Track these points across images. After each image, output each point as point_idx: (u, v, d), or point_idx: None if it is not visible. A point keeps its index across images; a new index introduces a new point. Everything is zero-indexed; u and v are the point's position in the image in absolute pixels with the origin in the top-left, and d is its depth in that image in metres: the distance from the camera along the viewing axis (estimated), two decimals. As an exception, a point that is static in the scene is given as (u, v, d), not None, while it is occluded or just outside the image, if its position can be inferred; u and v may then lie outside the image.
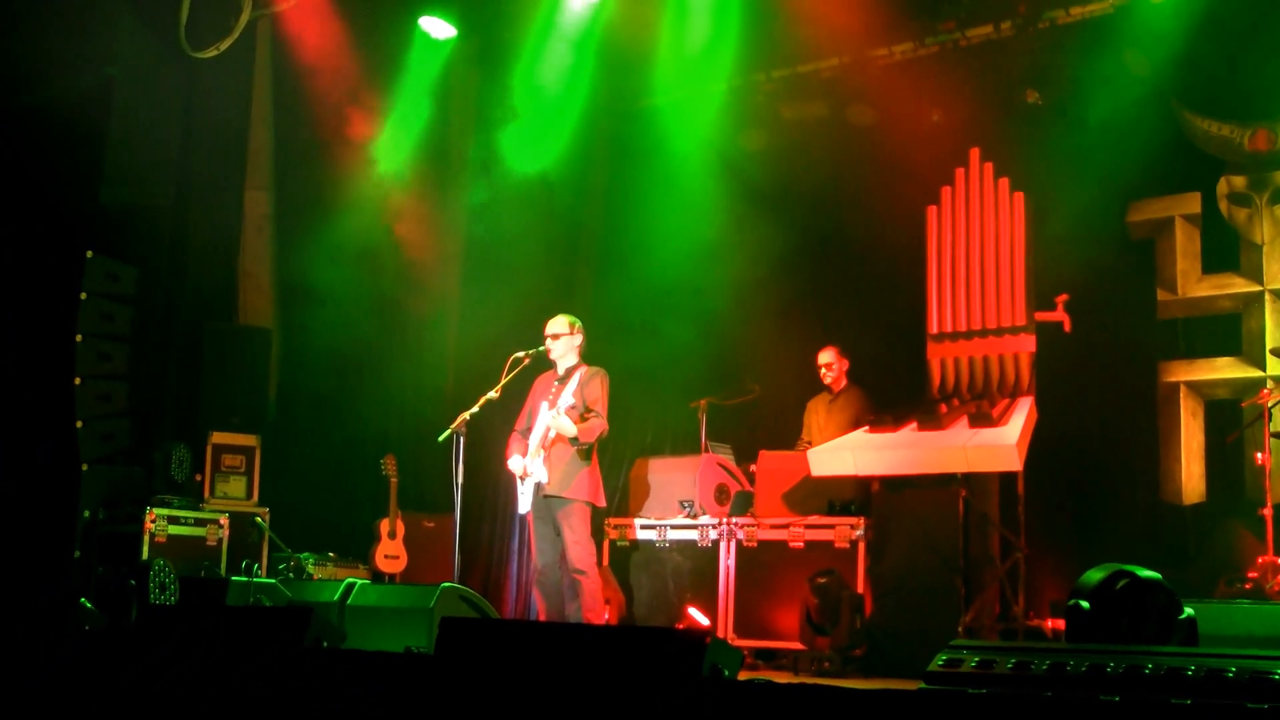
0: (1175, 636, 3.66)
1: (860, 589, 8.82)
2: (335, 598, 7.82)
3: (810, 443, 9.83)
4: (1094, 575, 3.73)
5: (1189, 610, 3.65)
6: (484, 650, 4.86)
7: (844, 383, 10.19)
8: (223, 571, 9.84)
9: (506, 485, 10.23)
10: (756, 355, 10.95)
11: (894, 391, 10.28)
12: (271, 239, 11.77)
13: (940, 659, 3.78)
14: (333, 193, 11.49)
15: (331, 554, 10.48)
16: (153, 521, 9.64)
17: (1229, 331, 9.82)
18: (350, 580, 8.04)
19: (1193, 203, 10.03)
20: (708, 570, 9.53)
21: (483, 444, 9.76)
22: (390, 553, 10.58)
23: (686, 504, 9.78)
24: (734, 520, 9.53)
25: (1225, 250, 9.89)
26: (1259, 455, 8.53)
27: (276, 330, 11.53)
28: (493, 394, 8.69)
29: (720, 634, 9.20)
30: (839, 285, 11.06)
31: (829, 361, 10.14)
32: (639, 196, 11.45)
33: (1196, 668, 3.27)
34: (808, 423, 10.25)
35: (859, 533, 8.95)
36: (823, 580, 8.70)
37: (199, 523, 9.97)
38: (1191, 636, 3.67)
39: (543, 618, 8.61)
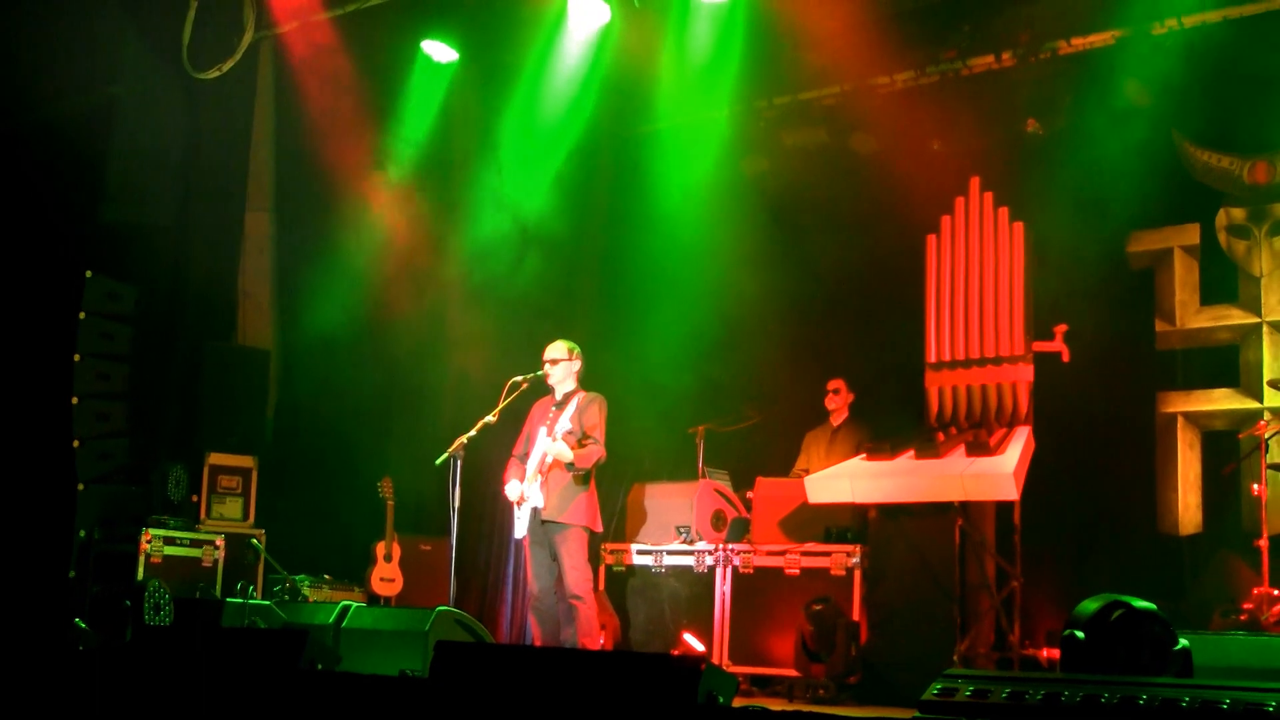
0: (1170, 668, 3.66)
1: (856, 616, 8.81)
2: (330, 620, 7.82)
3: (807, 471, 9.83)
4: (1089, 605, 3.73)
5: (1184, 641, 3.65)
6: (478, 675, 4.86)
7: (845, 414, 10.20)
8: (218, 593, 9.81)
9: (503, 509, 10.23)
10: (755, 382, 10.94)
11: (892, 419, 10.28)
12: (272, 260, 11.78)
13: (935, 688, 3.77)
14: (334, 214, 11.49)
15: (327, 576, 10.47)
16: (148, 542, 9.63)
17: (1227, 363, 9.83)
18: (346, 603, 8.03)
19: (1192, 234, 10.06)
20: (704, 596, 9.52)
21: (480, 468, 9.77)
22: (386, 575, 10.56)
23: (683, 530, 9.77)
24: (730, 546, 9.52)
25: (1224, 282, 9.91)
26: (1255, 487, 8.53)
27: (276, 351, 11.53)
28: (490, 418, 8.69)
29: (715, 660, 9.19)
30: (838, 312, 11.06)
31: (836, 389, 10.19)
32: (639, 222, 11.45)
33: (1191, 699, 3.27)
34: (807, 453, 10.25)
35: (855, 560, 8.95)
36: (818, 607, 8.70)
37: (195, 544, 9.96)
38: (1186, 668, 3.66)
39: (538, 643, 8.60)
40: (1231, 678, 3.72)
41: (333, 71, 11.25)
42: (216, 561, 10.02)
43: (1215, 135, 9.88)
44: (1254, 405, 9.58)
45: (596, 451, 8.54)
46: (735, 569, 9.40)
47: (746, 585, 9.36)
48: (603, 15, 10.51)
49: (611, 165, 12.09)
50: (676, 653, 9.16)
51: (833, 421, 10.23)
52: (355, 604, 8.00)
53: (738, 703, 4.57)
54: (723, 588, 9.42)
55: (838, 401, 10.20)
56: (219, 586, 9.93)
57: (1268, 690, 3.21)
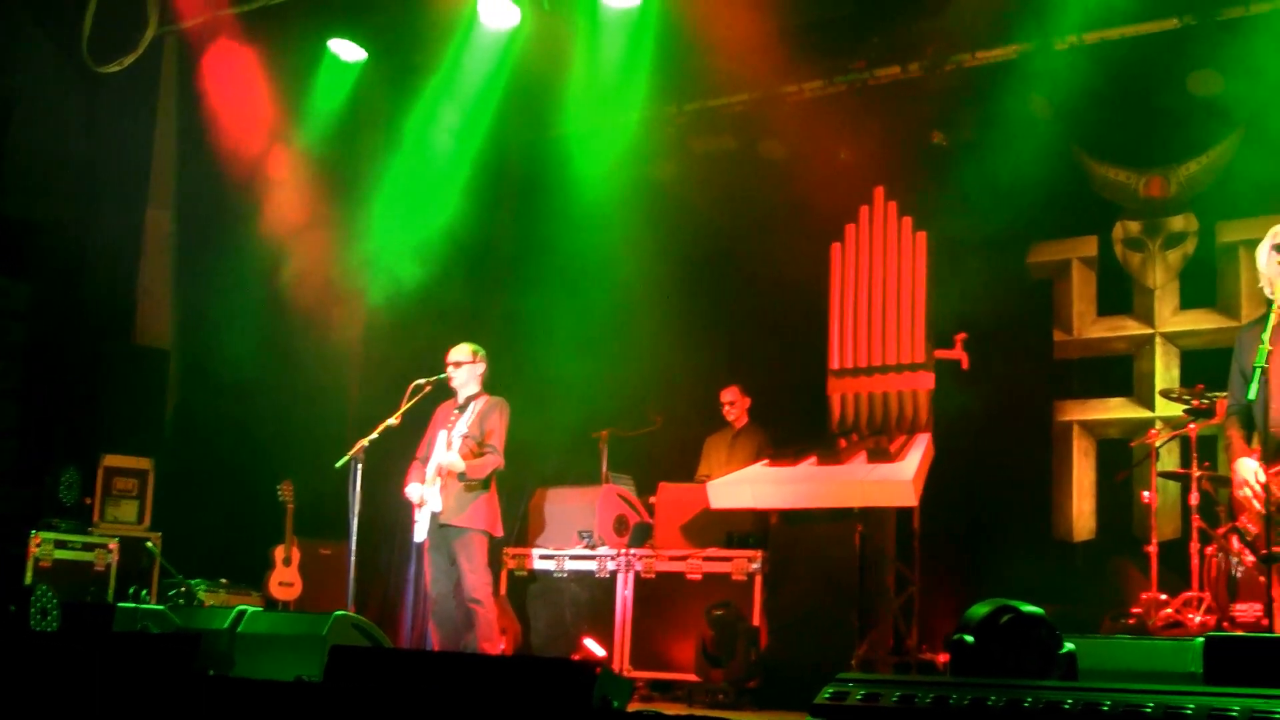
0: (1056, 671, 3.71)
1: (756, 621, 8.84)
2: (225, 625, 7.69)
3: (709, 476, 9.86)
4: (979, 610, 3.78)
5: (1069, 645, 3.71)
6: (373, 679, 4.82)
7: (745, 420, 10.26)
8: (110, 598, 9.65)
9: (405, 513, 10.13)
10: (660, 387, 10.95)
11: (794, 425, 10.35)
12: (173, 259, 11.60)
13: (826, 691, 3.79)
14: (236, 213, 11.34)
15: (224, 580, 10.32)
16: (38, 545, 9.45)
17: (1121, 373, 10.02)
18: (241, 607, 7.91)
19: (1090, 246, 10.23)
20: (605, 601, 9.50)
21: (382, 471, 9.68)
22: (285, 580, 10.45)
23: (585, 534, 9.75)
24: (632, 551, 9.52)
25: (1120, 293, 10.10)
26: (1146, 494, 8.68)
27: (175, 352, 11.35)
28: (392, 420, 8.63)
29: (617, 665, 9.19)
30: (743, 318, 11.12)
31: (731, 400, 10.23)
32: (546, 225, 11.44)
33: (1074, 701, 3.32)
34: (707, 458, 10.28)
35: (756, 565, 8.98)
36: (719, 612, 8.72)
37: (87, 547, 9.78)
38: (1071, 671, 3.72)
39: (437, 648, 8.55)
40: (1116, 680, 3.77)
41: (238, 68, 11.12)
42: (110, 565, 9.84)
43: (1113, 149, 10.07)
44: (1146, 414, 9.76)
45: (492, 461, 8.52)
46: (637, 574, 9.40)
47: (648, 590, 9.36)
48: (512, 18, 10.48)
49: (519, 169, 12.07)
50: (576, 658, 9.15)
51: (733, 427, 10.27)
52: (251, 608, 7.88)
53: (636, 707, 4.57)
54: (624, 593, 9.42)
55: (735, 410, 10.25)
56: (112, 591, 9.76)
57: (1147, 691, 3.28)
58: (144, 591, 9.62)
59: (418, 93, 11.31)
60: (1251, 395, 5.77)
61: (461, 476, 8.43)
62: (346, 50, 11.26)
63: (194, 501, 10.86)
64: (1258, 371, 5.74)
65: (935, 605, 9.34)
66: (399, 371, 9.47)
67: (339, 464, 8.58)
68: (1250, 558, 6.62)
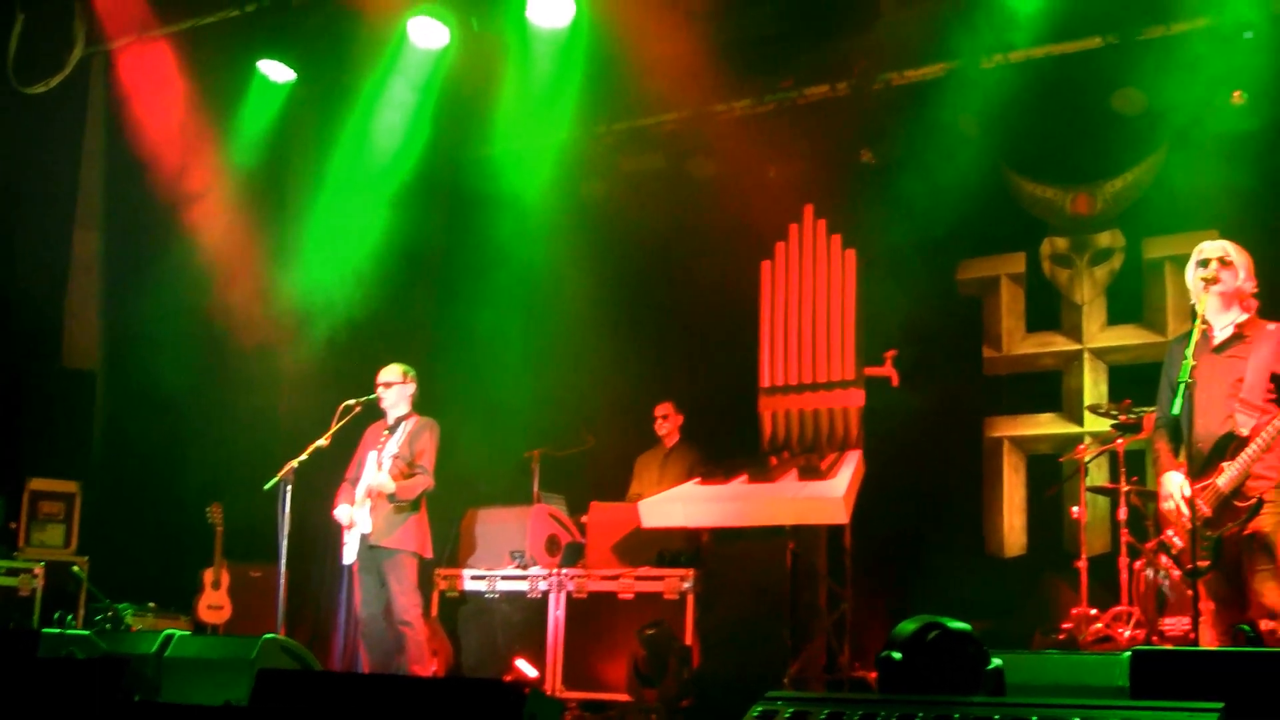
0: (984, 686, 3.71)
1: (689, 640, 8.82)
2: (153, 649, 7.60)
3: (640, 495, 9.85)
4: (906, 626, 3.77)
5: (996, 661, 3.71)
6: (302, 702, 4.77)
7: (677, 438, 10.27)
8: (35, 623, 9.51)
9: (336, 535, 10.06)
10: (591, 406, 10.93)
11: (726, 444, 10.37)
12: (101, 280, 11.47)
13: (755, 710, 3.78)
14: (166, 233, 11.23)
15: (152, 605, 10.21)
16: (-40, 571, 9.32)
17: (1050, 388, 10.10)
18: (169, 631, 7.82)
19: (1018, 263, 10.32)
20: (537, 622, 9.46)
21: (312, 493, 9.60)
22: (214, 603, 10.35)
23: (517, 555, 9.72)
24: (564, 571, 9.49)
25: (1048, 310, 10.19)
26: (1075, 509, 8.75)
27: (103, 373, 11.22)
28: (322, 441, 8.56)
29: (549, 686, 9.15)
30: (674, 337, 11.14)
31: (665, 414, 10.24)
32: (476, 245, 11.41)
33: (1000, 716, 3.33)
34: (639, 476, 10.28)
35: (688, 584, 8.97)
36: (651, 631, 8.70)
37: (11, 572, 9.63)
38: (999, 686, 3.72)
39: (369, 670, 8.49)
40: (1045, 695, 3.79)
41: (166, 89, 11.03)
42: (35, 590, 9.70)
43: (1040, 167, 10.17)
44: (1075, 430, 9.84)
45: (422, 482, 8.50)
46: (569, 594, 9.37)
47: (580, 610, 9.33)
48: (442, 37, 10.44)
49: (449, 188, 12.02)
50: (508, 678, 9.10)
51: (665, 445, 10.28)
52: (179, 633, 7.79)
53: (564, 727, 4.56)
54: (556, 613, 9.38)
55: (668, 425, 10.26)
56: (37, 616, 9.62)
57: (1073, 706, 3.29)
58: (70, 617, 9.49)
59: (348, 113, 11.26)
60: (1175, 410, 5.82)
61: (391, 498, 8.40)
62: (276, 71, 11.19)
63: (122, 525, 10.74)
64: (1181, 387, 5.81)
65: (868, 622, 9.36)
66: (329, 392, 9.41)
67: (268, 486, 8.50)
68: (1177, 572, 6.68)
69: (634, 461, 10.44)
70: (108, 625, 9.55)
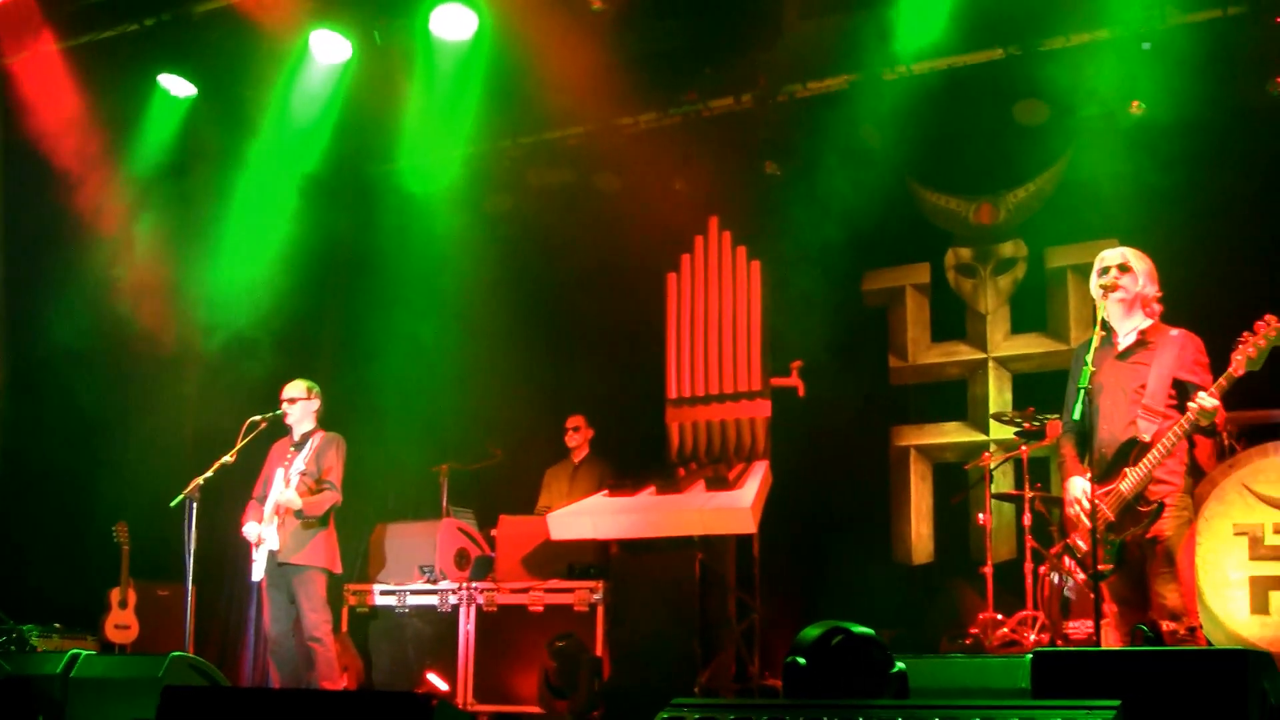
0: (888, 690, 3.74)
1: (599, 652, 8.82)
2: (58, 670, 7.47)
3: (549, 508, 9.83)
4: (811, 632, 3.79)
5: (900, 665, 3.74)
6: (205, 720, 4.70)
7: (586, 451, 10.27)
8: (-65, 645, 9.33)
9: (243, 553, 9.95)
10: (499, 420, 10.90)
11: (633, 455, 10.38)
12: (1, 299, 11.27)
13: (661, 717, 3.78)
14: (66, 251, 11.07)
15: (58, 625, 10.03)
16: None
17: (956, 397, 10.20)
18: (75, 651, 7.69)
19: (923, 273, 10.42)
20: (448, 636, 9.42)
21: (220, 510, 9.49)
22: (121, 622, 10.20)
23: (426, 569, 9.67)
24: (474, 585, 9.45)
25: (953, 319, 10.29)
26: (980, 516, 8.84)
27: (3, 393, 11.02)
28: (228, 458, 8.48)
29: (460, 699, 9.11)
30: (582, 349, 11.12)
31: (576, 426, 10.25)
32: (381, 259, 11.34)
33: (904, 718, 3.37)
34: (548, 489, 10.26)
35: (598, 596, 8.96)
36: (561, 644, 8.69)
37: (-93, 595, 9.45)
38: (903, 690, 3.75)
39: (279, 687, 8.40)
40: (949, 698, 3.82)
41: (65, 103, 10.86)
42: (-66, 613, 9.53)
43: (943, 177, 10.28)
44: (981, 438, 9.95)
45: (329, 498, 8.47)
46: (479, 607, 9.34)
47: (491, 623, 9.30)
48: (344, 52, 10.36)
49: (353, 202, 11.93)
50: (419, 692, 9.03)
51: (574, 458, 10.28)
52: (85, 652, 7.66)
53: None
54: (467, 626, 9.34)
55: (578, 438, 10.26)
56: (-63, 639, 9.44)
57: (974, 707, 3.33)
58: (-30, 639, 9.31)
59: (250, 127, 11.14)
60: (1076, 416, 5.90)
61: (299, 514, 8.35)
62: (176, 85, 11.05)
63: (25, 545, 10.55)
64: (1081, 393, 5.88)
65: (777, 631, 9.39)
66: (235, 408, 9.31)
67: (174, 503, 8.40)
68: (1081, 575, 6.75)
69: (542, 475, 10.42)
70: (12, 647, 9.37)
